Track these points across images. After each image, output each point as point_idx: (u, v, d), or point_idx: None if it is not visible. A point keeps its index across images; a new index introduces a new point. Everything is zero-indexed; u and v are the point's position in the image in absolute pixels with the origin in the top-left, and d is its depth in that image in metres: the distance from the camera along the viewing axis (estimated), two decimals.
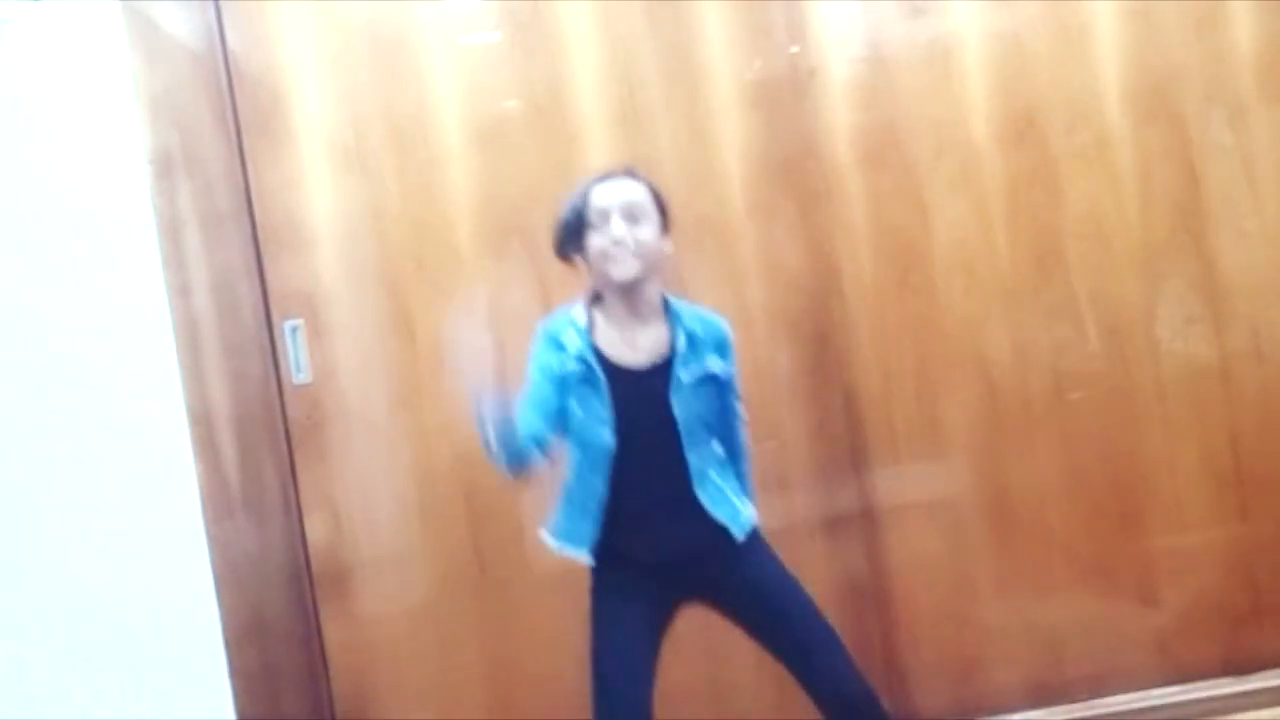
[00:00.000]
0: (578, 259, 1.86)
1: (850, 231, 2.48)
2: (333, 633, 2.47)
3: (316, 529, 2.46)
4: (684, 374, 1.83)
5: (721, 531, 1.86)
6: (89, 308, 2.31)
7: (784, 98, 2.48)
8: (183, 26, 2.39)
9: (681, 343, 1.83)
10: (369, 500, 2.47)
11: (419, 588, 2.49)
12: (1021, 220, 2.49)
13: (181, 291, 2.35)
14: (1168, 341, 2.51)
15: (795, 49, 2.48)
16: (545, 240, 2.43)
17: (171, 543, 2.31)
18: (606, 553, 1.88)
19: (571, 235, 1.85)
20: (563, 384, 1.83)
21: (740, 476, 1.95)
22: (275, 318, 2.44)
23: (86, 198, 2.30)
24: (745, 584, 1.89)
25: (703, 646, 2.42)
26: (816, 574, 2.28)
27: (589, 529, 1.84)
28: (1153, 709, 2.50)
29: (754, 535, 1.91)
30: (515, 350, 2.48)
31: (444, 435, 2.46)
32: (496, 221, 2.47)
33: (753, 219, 2.48)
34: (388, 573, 2.48)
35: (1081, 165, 2.49)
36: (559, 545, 1.89)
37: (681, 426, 1.82)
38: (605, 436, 1.81)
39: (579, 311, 1.87)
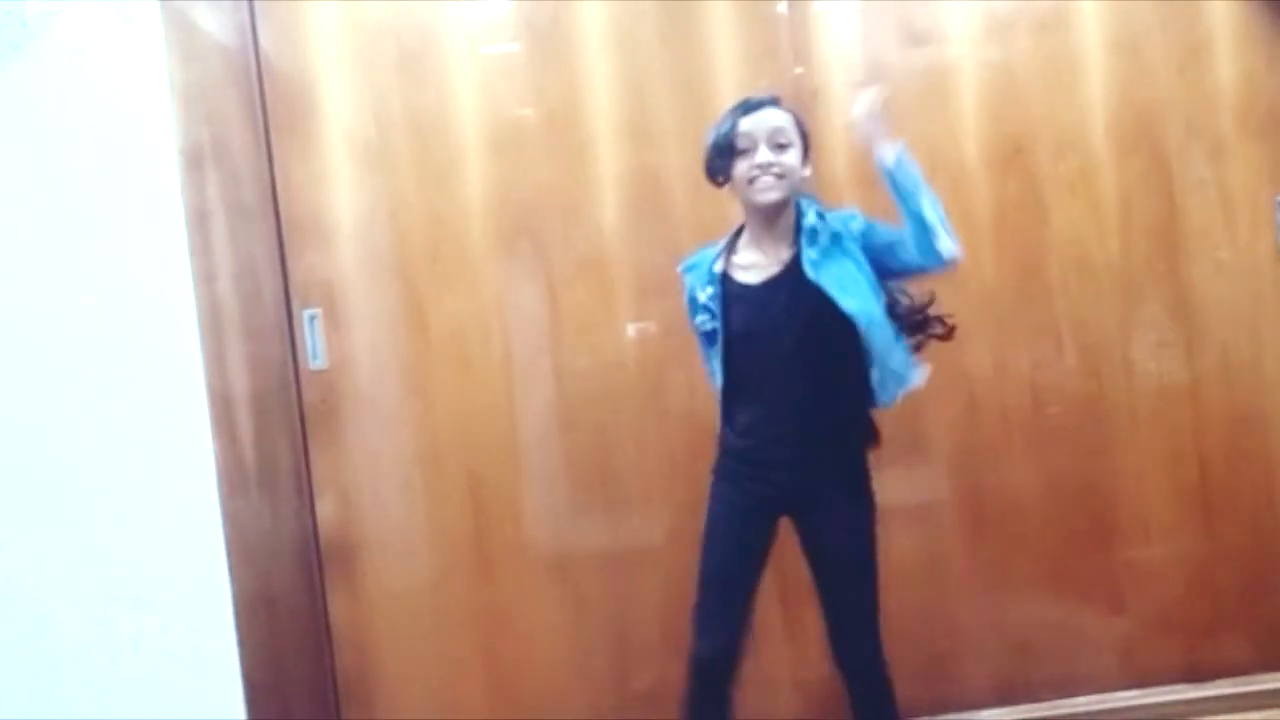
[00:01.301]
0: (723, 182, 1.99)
1: None
2: (338, 607, 2.54)
3: (326, 508, 2.53)
4: (809, 267, 1.91)
5: (824, 453, 1.98)
6: (118, 291, 2.34)
7: None
8: (217, 25, 2.44)
9: (803, 240, 1.93)
10: (377, 483, 2.53)
11: (422, 568, 2.55)
12: (1007, 242, 2.55)
13: (206, 278, 2.38)
14: (1141, 362, 2.58)
15: (800, 70, 2.53)
16: (553, 240, 2.54)
17: (188, 516, 2.35)
18: (726, 446, 2.04)
19: (721, 160, 1.96)
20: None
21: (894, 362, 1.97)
22: (295, 306, 2.50)
23: (119, 186, 2.33)
24: (821, 526, 2.01)
25: None
26: (803, 570, 2.35)
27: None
28: (1115, 711, 2.57)
29: (856, 487, 2.01)
30: (521, 342, 2.55)
31: (451, 423, 2.53)
32: (508, 221, 2.53)
33: None
34: (393, 552, 2.54)
35: (1066, 192, 2.55)
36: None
37: (802, 328, 1.92)
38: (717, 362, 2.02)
39: (723, 240, 2.03)
